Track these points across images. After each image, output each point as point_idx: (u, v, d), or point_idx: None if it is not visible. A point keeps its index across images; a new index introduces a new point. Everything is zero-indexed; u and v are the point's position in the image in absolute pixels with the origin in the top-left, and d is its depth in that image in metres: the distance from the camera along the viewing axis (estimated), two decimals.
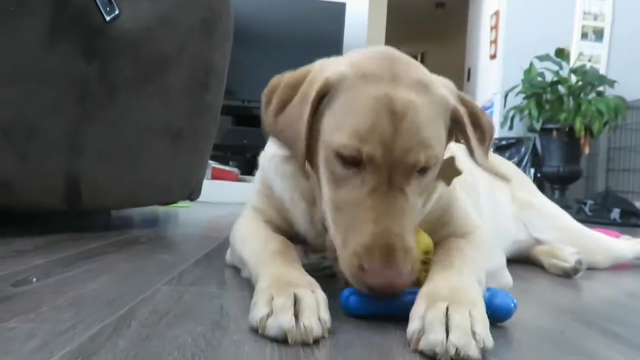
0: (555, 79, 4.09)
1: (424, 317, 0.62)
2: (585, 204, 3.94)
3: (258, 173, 1.05)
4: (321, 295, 0.68)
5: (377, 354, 0.62)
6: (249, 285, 0.91)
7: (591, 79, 4.06)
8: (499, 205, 1.37)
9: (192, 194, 1.84)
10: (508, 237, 1.38)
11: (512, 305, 0.74)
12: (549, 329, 0.79)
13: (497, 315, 0.72)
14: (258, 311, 0.64)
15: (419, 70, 0.80)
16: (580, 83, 4.07)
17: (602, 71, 4.39)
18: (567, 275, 1.27)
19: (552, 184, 4.14)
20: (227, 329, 0.67)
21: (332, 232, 0.78)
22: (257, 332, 0.63)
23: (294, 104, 0.79)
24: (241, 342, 0.62)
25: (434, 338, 0.59)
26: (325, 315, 0.65)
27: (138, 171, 1.56)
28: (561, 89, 4.09)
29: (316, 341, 0.62)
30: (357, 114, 0.73)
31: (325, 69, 0.79)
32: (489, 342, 0.60)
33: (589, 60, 4.44)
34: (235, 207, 3.05)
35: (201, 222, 2.23)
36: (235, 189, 3.50)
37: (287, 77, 0.84)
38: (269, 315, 0.63)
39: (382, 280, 0.69)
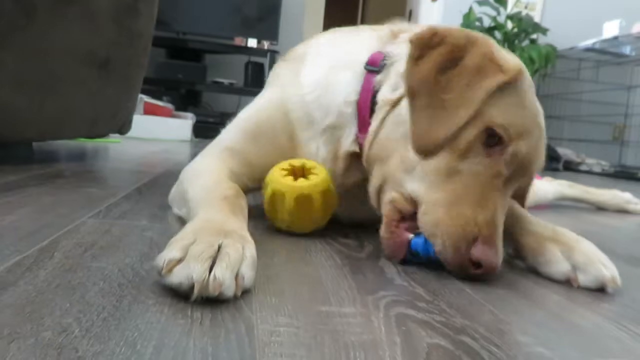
0: (493, 24, 4.16)
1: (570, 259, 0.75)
2: None
3: (268, 112, 0.94)
4: (250, 253, 0.58)
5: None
6: (182, 219, 0.90)
7: (526, 26, 4.16)
8: None
9: (122, 128, 1.75)
10: None
11: None
12: None
13: None
14: (169, 252, 0.54)
15: None
16: (515, 30, 4.15)
17: (536, 19, 4.49)
18: None
19: None
20: None
21: (422, 191, 0.74)
22: (159, 274, 0.54)
23: (465, 69, 0.75)
24: None
25: (588, 277, 0.73)
26: (247, 271, 0.56)
27: (61, 101, 1.46)
28: (497, 34, 4.17)
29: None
30: (523, 112, 0.76)
31: (501, 55, 0.78)
32: None
33: (525, 7, 4.52)
34: (170, 144, 2.97)
35: (133, 157, 2.14)
36: (170, 125, 3.39)
37: (451, 36, 0.79)
38: (180, 260, 0.53)
39: (492, 260, 0.69)
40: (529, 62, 3.95)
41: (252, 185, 0.92)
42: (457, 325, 0.53)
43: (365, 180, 0.85)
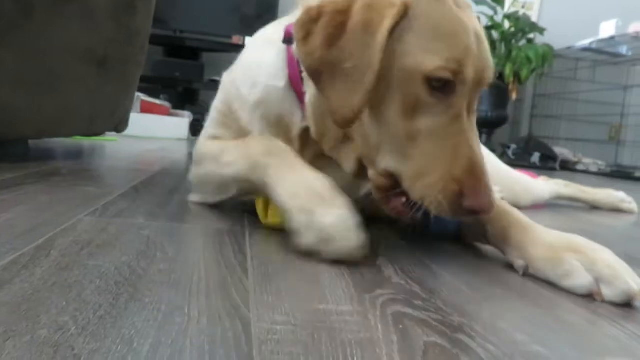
0: (490, 24, 4.16)
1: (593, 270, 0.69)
2: (509, 147, 4.14)
3: (219, 97, 1.01)
4: (353, 212, 0.72)
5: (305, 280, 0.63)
6: (178, 217, 0.90)
7: (523, 25, 4.16)
8: None
9: (119, 126, 1.75)
10: None
11: None
12: (469, 260, 0.83)
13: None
14: (307, 238, 0.70)
15: None
16: (512, 29, 4.16)
17: (534, 18, 4.50)
18: None
19: (480, 128, 4.28)
20: (153, 258, 0.65)
21: (395, 164, 0.75)
22: (308, 255, 0.69)
23: (354, 31, 0.71)
24: (168, 271, 0.61)
25: (614, 291, 0.66)
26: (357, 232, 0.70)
27: (59, 99, 1.45)
28: (494, 34, 4.17)
29: (245, 269, 0.63)
30: (448, 37, 0.71)
31: None
32: None
33: (523, 7, 4.53)
34: (166, 142, 2.96)
35: (129, 156, 2.14)
36: (167, 124, 3.38)
37: (328, 3, 0.74)
38: (321, 242, 0.68)
39: (485, 203, 0.69)
40: (526, 61, 3.95)
41: None
42: (454, 324, 0.53)
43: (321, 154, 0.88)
